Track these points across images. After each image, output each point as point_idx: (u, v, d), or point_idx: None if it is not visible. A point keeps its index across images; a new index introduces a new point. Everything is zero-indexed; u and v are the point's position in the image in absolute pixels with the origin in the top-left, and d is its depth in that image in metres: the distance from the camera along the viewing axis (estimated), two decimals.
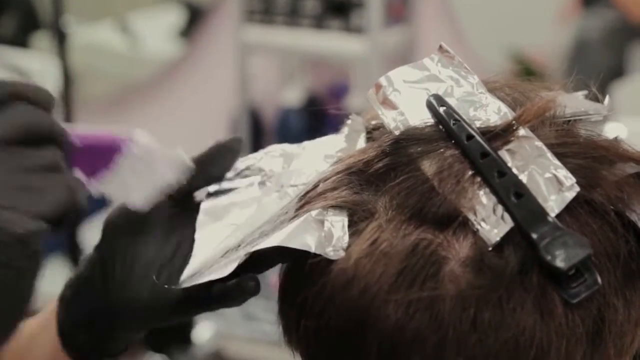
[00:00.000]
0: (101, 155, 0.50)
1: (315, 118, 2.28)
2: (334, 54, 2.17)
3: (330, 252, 0.47)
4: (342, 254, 0.47)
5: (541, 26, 2.28)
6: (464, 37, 2.22)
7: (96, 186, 0.50)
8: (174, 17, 2.63)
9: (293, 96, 2.34)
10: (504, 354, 0.45)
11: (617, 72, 2.22)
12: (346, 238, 0.47)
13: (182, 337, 1.90)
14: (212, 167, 0.56)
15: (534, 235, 0.45)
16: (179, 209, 0.56)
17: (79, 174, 0.48)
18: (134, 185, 0.51)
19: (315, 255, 0.47)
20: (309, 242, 0.47)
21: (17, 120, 0.44)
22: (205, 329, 1.95)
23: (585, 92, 0.56)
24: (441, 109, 0.50)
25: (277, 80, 2.42)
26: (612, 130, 0.53)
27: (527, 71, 2.17)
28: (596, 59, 2.23)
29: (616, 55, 2.27)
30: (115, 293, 0.54)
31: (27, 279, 0.44)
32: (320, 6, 2.13)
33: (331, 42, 2.12)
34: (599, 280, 0.45)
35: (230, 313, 2.03)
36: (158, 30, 2.67)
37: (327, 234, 0.47)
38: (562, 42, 2.24)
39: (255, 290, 0.52)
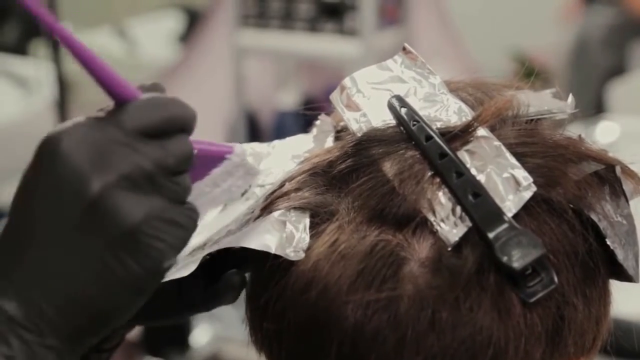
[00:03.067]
0: (204, 166, 0.49)
1: (312, 120, 2.29)
2: (329, 56, 2.17)
3: (290, 253, 0.47)
4: (302, 255, 0.47)
5: (537, 27, 2.27)
6: (458, 38, 2.22)
7: None
8: (172, 22, 2.64)
9: (289, 99, 2.35)
10: (462, 352, 0.45)
11: (616, 70, 2.22)
12: (307, 239, 0.48)
13: (179, 340, 1.91)
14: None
15: (490, 235, 0.45)
16: None
17: None
18: (206, 197, 0.50)
19: (275, 257, 0.48)
20: (269, 243, 0.48)
21: (180, 152, 0.45)
22: (202, 332, 1.95)
23: (553, 90, 0.56)
24: (402, 110, 0.50)
25: (272, 84, 2.42)
26: (605, 130, 0.53)
27: (529, 71, 2.17)
28: (598, 58, 2.23)
29: (616, 53, 2.27)
30: None
31: (140, 304, 0.46)
32: (314, 9, 2.14)
33: (325, 44, 2.13)
34: (556, 279, 0.45)
35: (228, 316, 2.04)
36: (155, 36, 2.68)
37: (289, 235, 0.48)
38: (563, 41, 2.25)
39: (241, 284, 0.53)
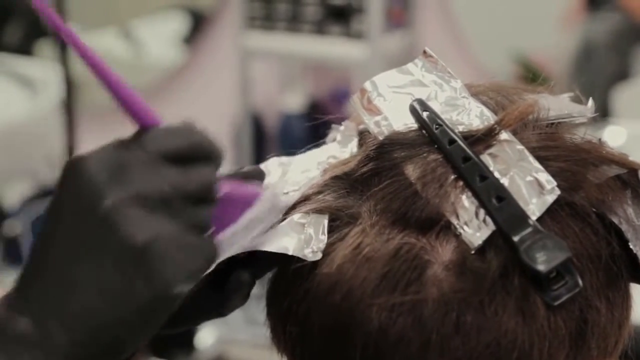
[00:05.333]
0: (234, 207, 0.48)
1: (317, 123, 2.29)
2: (335, 59, 2.17)
3: (309, 254, 0.47)
4: (319, 255, 0.47)
5: (542, 31, 2.28)
6: (464, 41, 2.23)
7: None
8: (177, 24, 2.64)
9: (294, 102, 2.35)
10: (486, 356, 0.45)
11: (621, 75, 2.22)
12: (324, 240, 0.48)
13: (185, 342, 1.91)
14: None
15: (515, 239, 0.45)
16: None
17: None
18: (236, 239, 0.49)
19: (298, 260, 0.48)
20: (287, 245, 0.48)
21: (201, 180, 0.44)
22: (207, 334, 1.95)
23: (571, 94, 0.56)
24: (424, 114, 0.50)
25: (278, 86, 2.42)
26: (612, 134, 0.53)
27: (532, 75, 2.17)
28: (602, 63, 2.24)
29: (621, 58, 2.27)
30: None
31: (150, 332, 0.45)
32: (321, 12, 2.14)
33: (332, 47, 2.13)
34: (580, 282, 0.45)
35: (233, 318, 2.03)
36: (161, 37, 2.68)
37: (307, 237, 0.48)
38: (567, 46, 2.25)
39: (250, 283, 0.52)
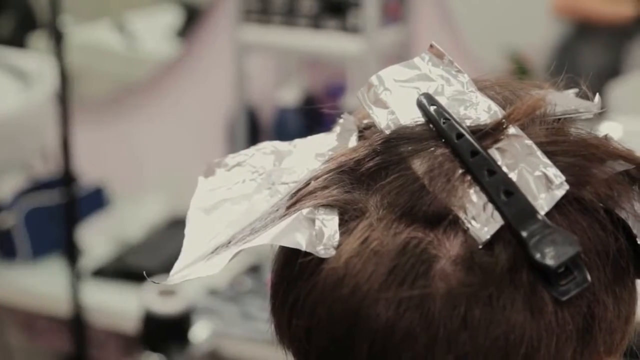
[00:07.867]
0: None
1: (312, 117, 2.29)
2: (331, 53, 2.17)
3: (321, 251, 0.47)
4: (332, 252, 0.47)
5: (537, 26, 2.28)
6: (460, 36, 2.23)
7: None
8: (171, 17, 2.63)
9: (290, 96, 2.34)
10: (494, 351, 0.45)
11: (613, 71, 2.22)
12: (337, 236, 0.47)
13: (179, 336, 1.90)
14: None
15: (524, 233, 0.45)
16: None
17: None
18: None
19: (305, 254, 0.47)
20: (299, 240, 0.47)
21: None
22: (202, 328, 1.95)
23: (576, 90, 0.56)
24: (431, 108, 0.50)
25: (274, 80, 2.42)
26: (607, 129, 0.53)
27: (522, 70, 2.17)
28: (581, 57, 2.24)
29: (608, 54, 2.27)
30: None
31: None
32: (317, 6, 2.13)
33: (328, 41, 2.12)
34: (589, 277, 0.45)
35: (228, 312, 2.04)
36: (155, 30, 2.67)
37: (318, 233, 0.48)
38: (548, 40, 2.25)
39: None
